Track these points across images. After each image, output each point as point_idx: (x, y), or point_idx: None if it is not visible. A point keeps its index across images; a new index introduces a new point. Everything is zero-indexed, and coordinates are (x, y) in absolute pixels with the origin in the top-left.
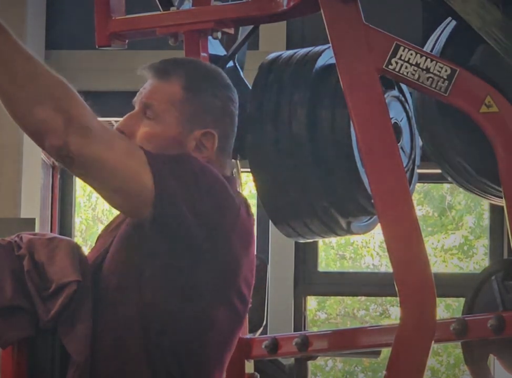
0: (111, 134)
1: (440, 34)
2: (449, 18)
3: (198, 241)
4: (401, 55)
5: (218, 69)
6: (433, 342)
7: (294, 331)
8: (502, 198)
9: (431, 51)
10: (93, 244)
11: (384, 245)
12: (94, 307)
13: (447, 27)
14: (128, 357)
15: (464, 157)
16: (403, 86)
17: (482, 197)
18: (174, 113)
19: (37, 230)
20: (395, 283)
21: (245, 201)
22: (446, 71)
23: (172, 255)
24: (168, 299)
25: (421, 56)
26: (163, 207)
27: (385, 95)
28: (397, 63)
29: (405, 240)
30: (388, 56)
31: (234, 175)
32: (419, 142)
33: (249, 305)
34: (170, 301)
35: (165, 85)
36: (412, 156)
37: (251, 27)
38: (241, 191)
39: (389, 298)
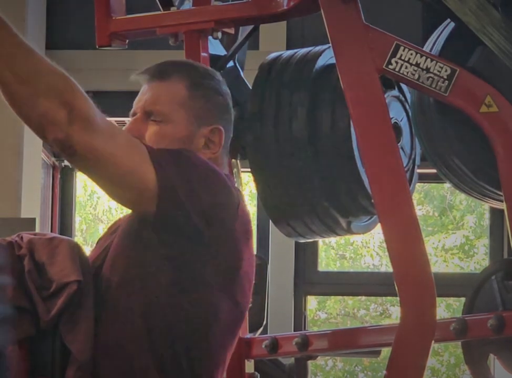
0: (112, 126)
1: (439, 35)
2: (449, 19)
3: (201, 234)
4: (401, 55)
5: (211, 69)
6: (433, 341)
7: (294, 331)
8: (502, 202)
9: (430, 51)
10: (94, 245)
11: (384, 245)
12: (96, 307)
13: (446, 27)
14: (132, 354)
15: (462, 159)
16: (404, 86)
17: (481, 200)
18: (181, 112)
19: (37, 230)
20: (395, 283)
21: (242, 195)
22: (446, 71)
23: (175, 248)
24: (172, 293)
25: (421, 56)
26: (167, 201)
27: (385, 95)
28: (397, 63)
29: (405, 240)
30: (388, 56)
31: (233, 173)
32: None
33: (250, 304)
34: (174, 295)
35: (168, 85)
36: (412, 156)
37: (251, 27)
38: (241, 190)
39: (389, 298)
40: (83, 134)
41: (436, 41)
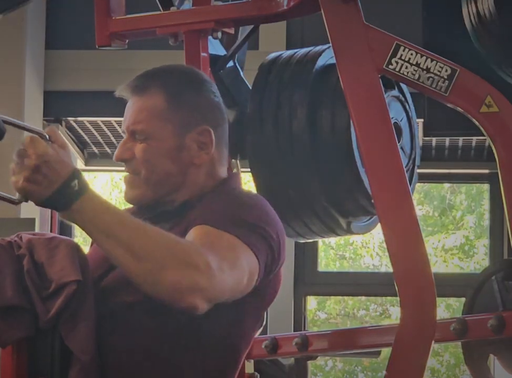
0: (221, 255)
1: None
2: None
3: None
4: (401, 55)
5: (190, 66)
6: (433, 342)
7: (294, 331)
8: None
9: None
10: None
11: (384, 245)
12: (104, 316)
13: None
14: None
15: None
16: (404, 86)
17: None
18: (165, 126)
19: (36, 230)
20: (395, 283)
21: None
22: (446, 71)
23: None
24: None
25: (421, 56)
26: (263, 279)
27: (385, 95)
28: (397, 63)
29: (405, 240)
30: (388, 56)
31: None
32: (419, 142)
33: None
34: (208, 320)
35: (146, 100)
36: (412, 156)
37: (251, 27)
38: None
39: (389, 298)
40: (215, 285)
41: None
